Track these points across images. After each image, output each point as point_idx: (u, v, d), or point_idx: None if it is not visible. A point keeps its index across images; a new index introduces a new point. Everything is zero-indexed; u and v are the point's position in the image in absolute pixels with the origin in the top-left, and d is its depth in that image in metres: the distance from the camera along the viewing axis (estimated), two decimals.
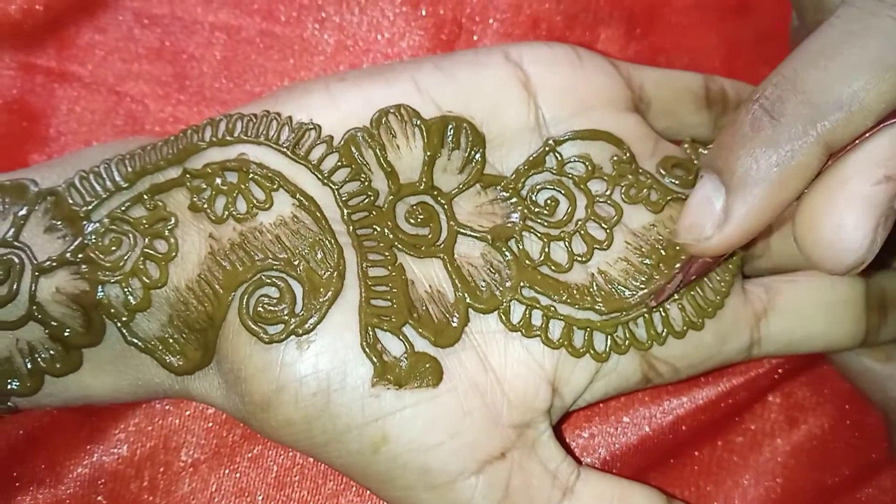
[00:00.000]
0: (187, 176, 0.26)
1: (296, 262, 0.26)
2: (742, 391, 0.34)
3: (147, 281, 0.25)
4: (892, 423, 0.33)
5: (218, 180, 0.26)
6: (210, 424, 0.31)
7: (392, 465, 0.26)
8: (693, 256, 0.26)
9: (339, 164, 0.27)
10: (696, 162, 0.31)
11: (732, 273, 0.29)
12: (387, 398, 0.25)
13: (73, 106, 0.33)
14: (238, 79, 0.34)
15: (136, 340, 0.26)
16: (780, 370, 0.35)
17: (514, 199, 0.28)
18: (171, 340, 0.26)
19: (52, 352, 0.25)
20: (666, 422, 0.34)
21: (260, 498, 0.31)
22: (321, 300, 0.25)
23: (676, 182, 0.29)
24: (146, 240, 0.26)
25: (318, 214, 0.26)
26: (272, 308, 0.25)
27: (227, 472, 0.31)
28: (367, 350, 0.25)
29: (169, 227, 0.26)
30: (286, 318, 0.25)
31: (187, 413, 0.31)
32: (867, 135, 0.22)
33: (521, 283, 0.27)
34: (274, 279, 0.25)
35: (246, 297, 0.25)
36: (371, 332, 0.25)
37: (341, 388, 0.25)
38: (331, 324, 0.25)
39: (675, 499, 0.29)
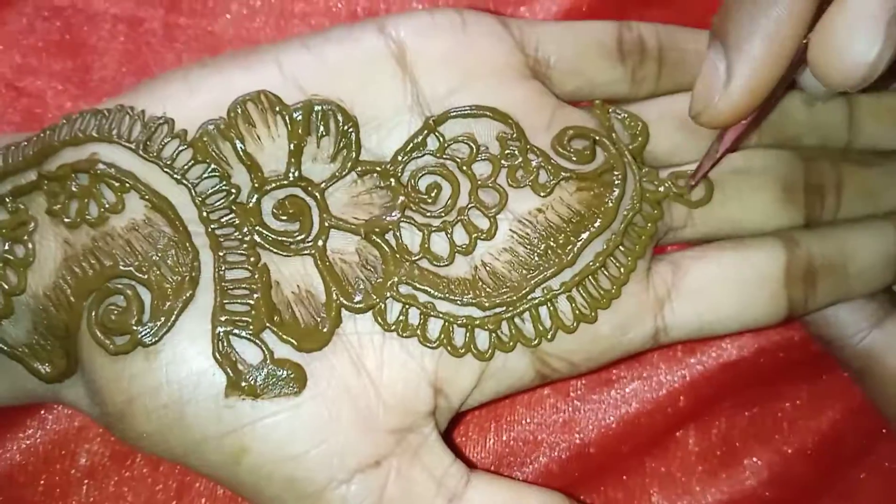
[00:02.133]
0: (44, 179, 0.25)
1: (145, 268, 0.24)
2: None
3: (6, 287, 0.24)
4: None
5: (71, 183, 0.25)
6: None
7: (256, 476, 0.24)
8: (721, 131, 0.26)
9: (194, 160, 0.25)
10: (608, 124, 0.28)
11: (634, 256, 0.26)
12: (243, 409, 0.24)
13: None
14: (141, 72, 0.33)
15: (3, 346, 0.25)
16: None
17: (393, 187, 0.26)
18: (38, 347, 0.25)
19: None
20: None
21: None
22: (170, 307, 0.24)
23: (573, 157, 0.27)
24: (6, 244, 0.25)
25: (172, 215, 0.25)
26: (119, 317, 0.24)
27: (127, 475, 0.30)
28: (219, 359, 0.24)
29: (29, 232, 0.25)
30: (133, 327, 0.24)
31: (86, 418, 0.30)
32: None
33: (398, 280, 0.26)
34: (122, 287, 0.24)
35: (94, 306, 0.24)
36: (224, 340, 0.24)
37: (194, 399, 0.24)
38: (182, 332, 0.24)
39: (577, 500, 0.27)
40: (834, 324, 0.31)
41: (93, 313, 0.24)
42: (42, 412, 0.31)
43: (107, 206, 0.25)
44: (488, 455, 0.32)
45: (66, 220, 0.25)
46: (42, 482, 0.30)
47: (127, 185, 0.25)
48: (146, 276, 0.24)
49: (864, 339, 0.30)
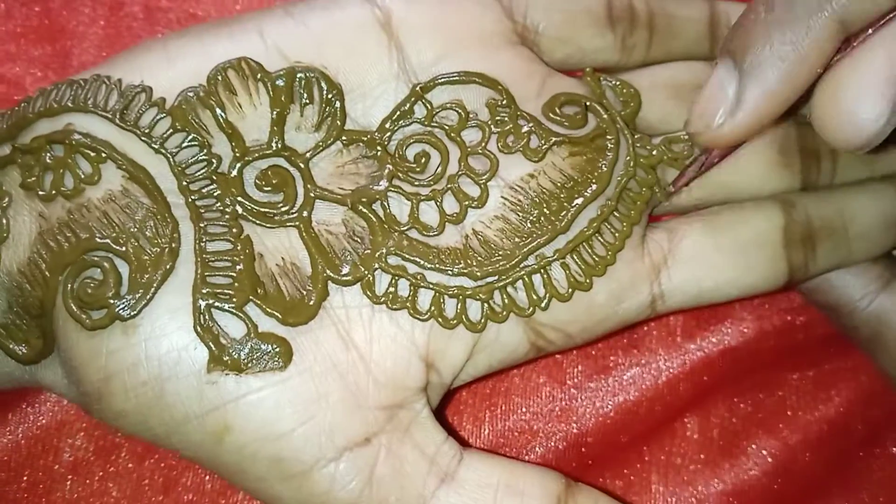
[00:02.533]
0: (18, 152, 0.24)
1: (123, 240, 0.23)
2: None
3: None
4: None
5: (46, 155, 0.24)
6: (93, 420, 0.30)
7: (240, 455, 0.23)
8: (706, 148, 0.25)
9: (173, 128, 0.24)
10: (600, 91, 0.27)
11: (630, 222, 0.26)
12: (226, 385, 0.23)
13: None
14: None
15: None
16: None
17: (380, 156, 0.25)
18: (13, 327, 0.24)
19: None
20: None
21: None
22: (149, 280, 0.23)
23: (565, 123, 0.26)
24: None
25: (150, 186, 0.24)
26: (96, 291, 0.23)
27: (112, 469, 0.29)
28: (201, 333, 0.23)
29: (2, 207, 0.24)
30: (110, 301, 0.23)
31: (70, 412, 0.30)
32: (889, 17, 0.21)
33: (387, 250, 0.25)
34: (98, 260, 0.23)
35: (71, 279, 0.23)
36: (206, 314, 0.23)
37: (174, 375, 0.23)
38: (161, 305, 0.23)
39: (576, 482, 0.26)
40: (840, 287, 0.30)
41: (68, 287, 0.23)
42: (24, 406, 0.30)
43: (82, 177, 0.24)
44: (483, 445, 0.31)
45: (40, 192, 0.24)
46: (25, 478, 0.29)
47: (103, 154, 0.24)
48: (124, 249, 0.23)
49: (873, 302, 0.30)
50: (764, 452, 0.32)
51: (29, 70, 0.32)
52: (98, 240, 0.23)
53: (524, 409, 0.32)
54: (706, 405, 0.32)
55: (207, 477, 0.30)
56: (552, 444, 0.31)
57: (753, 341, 0.33)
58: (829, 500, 0.32)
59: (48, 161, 0.24)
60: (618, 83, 0.28)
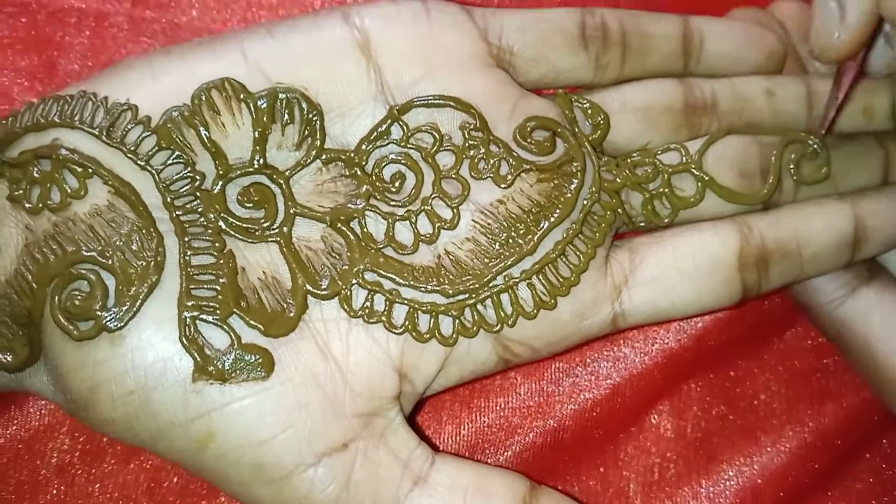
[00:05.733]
0: (5, 165, 0.25)
1: (109, 253, 0.24)
2: None
3: None
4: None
5: (33, 169, 0.25)
6: (78, 423, 0.30)
7: (223, 461, 0.24)
8: (839, 69, 0.29)
9: (158, 146, 0.25)
10: (570, 114, 0.28)
11: (593, 244, 0.27)
12: (210, 394, 0.24)
13: None
14: (107, 67, 0.33)
15: None
16: None
17: (358, 176, 0.26)
18: None
19: None
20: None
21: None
22: (135, 293, 0.24)
23: (534, 149, 0.27)
24: None
25: (135, 201, 0.24)
26: (83, 303, 0.24)
27: (96, 472, 0.30)
28: (186, 344, 0.24)
29: None
30: (97, 313, 0.24)
31: (56, 416, 0.30)
32: None
33: (364, 267, 0.26)
34: (85, 272, 0.24)
35: (58, 291, 0.24)
36: (191, 325, 0.24)
37: (160, 384, 0.24)
38: (147, 317, 0.24)
39: (540, 485, 0.27)
40: (809, 290, 0.31)
41: (56, 299, 0.24)
42: (12, 409, 0.30)
43: (69, 191, 0.24)
44: (463, 442, 0.32)
45: (27, 205, 0.24)
46: (12, 481, 0.30)
47: (90, 170, 0.24)
48: (110, 262, 0.24)
49: (838, 307, 0.31)
50: (742, 459, 0.33)
51: (16, 80, 0.32)
52: (84, 253, 0.24)
53: (502, 407, 0.33)
54: (681, 401, 0.33)
55: (191, 480, 0.31)
56: (529, 439, 0.32)
57: (727, 328, 0.33)
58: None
59: (35, 175, 0.24)
60: (588, 106, 0.29)
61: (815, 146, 0.30)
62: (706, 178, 0.29)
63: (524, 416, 0.32)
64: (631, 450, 0.33)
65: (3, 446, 0.30)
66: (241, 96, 0.25)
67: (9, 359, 0.25)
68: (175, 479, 0.31)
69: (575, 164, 0.27)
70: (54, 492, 0.30)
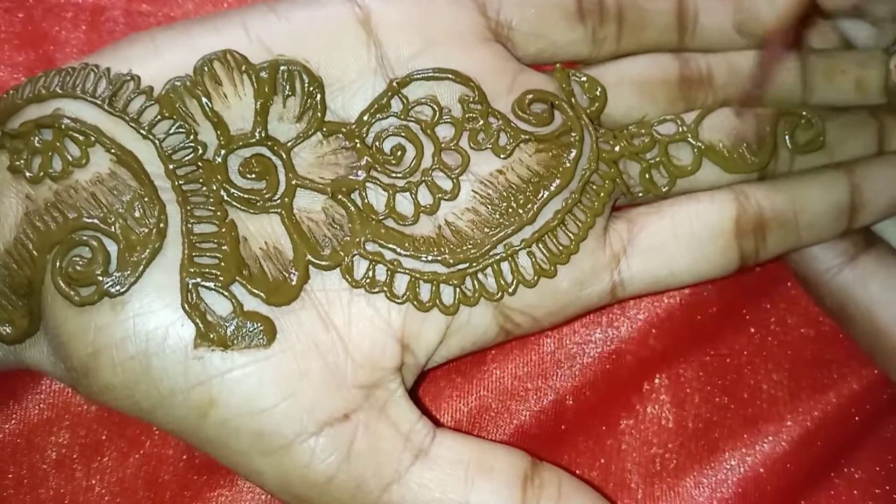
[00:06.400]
0: (6, 136, 0.25)
1: (111, 220, 0.24)
2: None
3: None
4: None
5: (34, 139, 0.25)
6: (77, 417, 0.30)
7: (223, 429, 0.24)
8: (765, 44, 0.29)
9: (161, 115, 0.25)
10: (568, 88, 0.29)
11: (593, 213, 0.28)
12: (212, 360, 0.24)
13: None
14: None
15: None
16: None
17: (358, 148, 0.27)
18: None
19: None
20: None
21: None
22: (137, 258, 0.24)
23: (532, 120, 0.28)
24: None
25: (137, 169, 0.24)
26: (85, 268, 0.24)
27: (96, 466, 0.30)
28: (189, 310, 0.24)
29: None
30: (99, 278, 0.24)
31: (55, 409, 0.30)
32: None
33: (365, 238, 0.26)
34: (87, 238, 0.24)
35: (59, 258, 0.24)
36: (193, 292, 0.24)
37: (161, 350, 0.24)
38: (149, 283, 0.24)
39: (541, 461, 0.27)
40: (807, 259, 0.31)
41: (57, 264, 0.24)
42: (11, 404, 0.30)
43: (71, 159, 0.24)
44: (466, 414, 0.32)
45: (27, 174, 0.24)
46: (10, 475, 0.29)
47: (92, 138, 0.24)
48: (112, 228, 0.24)
49: (836, 276, 0.31)
50: (743, 450, 0.32)
51: (13, 75, 0.33)
52: (86, 219, 0.24)
53: (504, 379, 0.32)
54: (680, 385, 0.33)
55: (190, 473, 0.30)
56: (533, 411, 0.32)
57: (723, 293, 0.33)
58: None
59: (37, 145, 0.25)
60: (585, 80, 0.29)
61: (810, 118, 0.30)
62: (702, 147, 0.30)
63: (526, 383, 0.32)
64: (632, 441, 0.33)
65: (2, 441, 0.30)
66: (244, 68, 0.26)
67: (8, 330, 0.25)
68: (173, 472, 0.30)
69: (573, 135, 0.28)
70: (54, 486, 0.30)
